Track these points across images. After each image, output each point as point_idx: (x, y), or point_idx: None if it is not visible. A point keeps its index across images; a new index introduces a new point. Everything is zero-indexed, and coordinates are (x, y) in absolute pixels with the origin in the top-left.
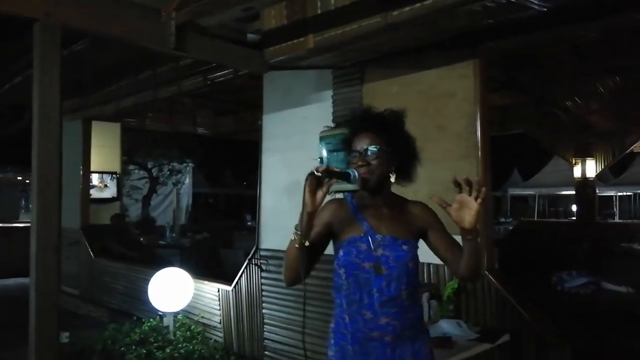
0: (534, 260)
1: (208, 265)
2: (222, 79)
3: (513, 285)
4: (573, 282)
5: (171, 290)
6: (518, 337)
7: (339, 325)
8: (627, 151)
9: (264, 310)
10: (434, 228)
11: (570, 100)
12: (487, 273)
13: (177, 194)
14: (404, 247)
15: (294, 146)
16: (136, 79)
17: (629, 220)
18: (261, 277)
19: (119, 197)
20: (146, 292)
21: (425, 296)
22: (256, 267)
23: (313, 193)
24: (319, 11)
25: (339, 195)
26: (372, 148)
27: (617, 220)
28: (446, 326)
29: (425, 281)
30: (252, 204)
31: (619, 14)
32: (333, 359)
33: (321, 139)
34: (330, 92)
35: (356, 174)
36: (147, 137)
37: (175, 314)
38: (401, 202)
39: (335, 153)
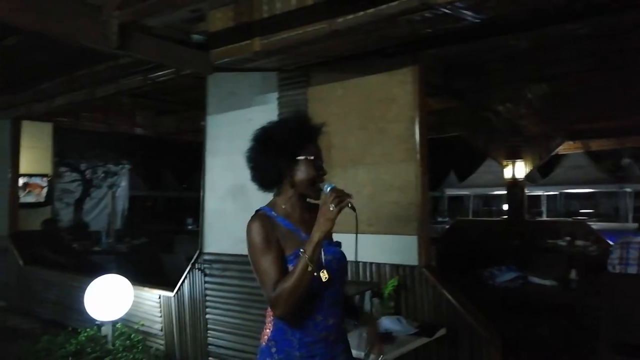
0: (468, 257)
1: (148, 271)
2: (163, 78)
3: (449, 281)
4: (503, 277)
5: (109, 298)
6: (454, 330)
7: (282, 333)
8: (553, 153)
9: (207, 316)
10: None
11: (501, 105)
12: (424, 270)
13: (113, 197)
14: (338, 248)
15: (238, 148)
16: (71, 77)
17: (555, 218)
18: (205, 282)
19: (49, 202)
20: (82, 301)
21: (367, 294)
22: (200, 271)
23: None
24: (265, 15)
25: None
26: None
27: (544, 218)
28: (387, 322)
29: (367, 280)
30: (193, 207)
31: (547, 26)
32: None
33: None
34: (275, 95)
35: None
36: (81, 137)
37: (114, 323)
38: (310, 205)
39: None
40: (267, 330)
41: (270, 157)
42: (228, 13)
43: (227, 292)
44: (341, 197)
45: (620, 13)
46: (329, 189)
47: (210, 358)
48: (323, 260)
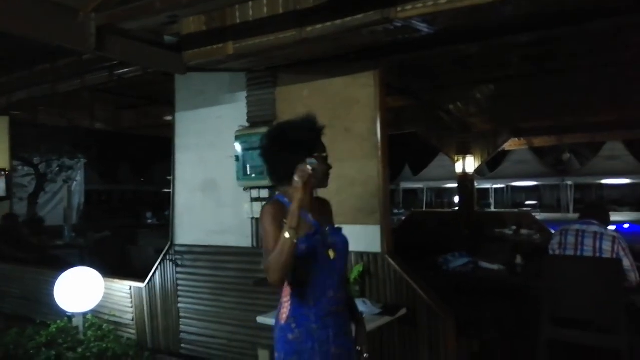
0: (423, 245)
1: (115, 264)
2: (130, 75)
3: (408, 267)
4: (456, 262)
5: (80, 289)
6: (413, 310)
7: (300, 309)
8: (500, 149)
9: (179, 305)
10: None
11: (453, 105)
12: (387, 257)
13: (69, 192)
14: (342, 232)
15: (208, 144)
16: (32, 72)
17: (502, 210)
18: (176, 273)
19: (8, 196)
20: (46, 295)
21: None
22: (171, 262)
23: (307, 187)
24: (238, 21)
25: (255, 192)
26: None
27: (492, 209)
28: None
29: None
30: (151, 201)
31: (493, 36)
32: (296, 341)
33: (237, 137)
34: (244, 94)
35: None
36: (34, 131)
37: (85, 314)
38: (315, 197)
39: (250, 151)
40: (285, 310)
41: (287, 155)
42: (201, 17)
43: (198, 281)
44: (303, 172)
45: (557, 26)
46: (310, 162)
47: (182, 344)
48: (328, 241)
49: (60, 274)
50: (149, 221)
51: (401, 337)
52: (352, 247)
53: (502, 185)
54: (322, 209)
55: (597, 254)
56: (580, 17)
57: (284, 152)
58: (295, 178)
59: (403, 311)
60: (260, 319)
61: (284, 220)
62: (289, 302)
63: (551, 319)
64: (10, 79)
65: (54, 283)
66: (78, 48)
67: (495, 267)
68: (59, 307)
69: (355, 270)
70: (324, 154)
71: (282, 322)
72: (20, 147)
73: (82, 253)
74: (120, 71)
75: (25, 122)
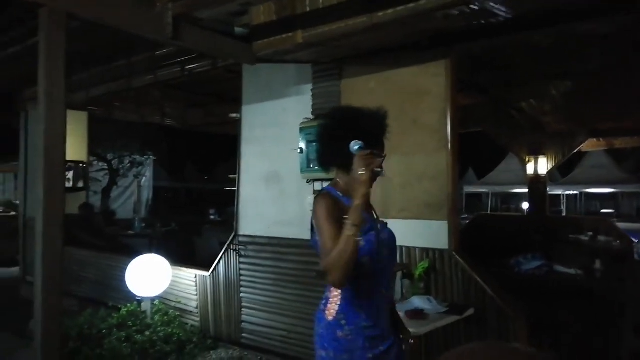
0: (490, 248)
1: (180, 254)
2: (200, 70)
3: (477, 266)
4: (529, 265)
5: (149, 275)
6: (482, 311)
7: (352, 306)
8: (576, 150)
9: (241, 294)
10: None
11: (525, 102)
12: (454, 254)
13: (138, 187)
14: (389, 229)
15: (273, 137)
16: (109, 67)
17: (576, 215)
18: (239, 263)
19: (85, 188)
20: (118, 280)
21: (398, 275)
22: (235, 252)
23: (373, 180)
24: (308, 9)
25: (318, 184)
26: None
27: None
28: (417, 302)
29: (398, 261)
30: (214, 199)
31: (570, 23)
32: (347, 339)
33: (301, 129)
34: (309, 86)
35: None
36: (109, 127)
37: (153, 300)
38: None
39: (313, 143)
40: (333, 305)
41: (346, 138)
42: (271, 7)
43: (261, 272)
44: (369, 160)
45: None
46: (356, 147)
47: (243, 334)
48: (381, 237)
49: (130, 261)
50: (212, 217)
51: (468, 338)
52: (418, 242)
53: (575, 192)
54: (367, 203)
55: None
56: None
57: (345, 134)
58: (360, 170)
59: (470, 311)
60: None
61: (345, 217)
62: (339, 298)
63: (635, 327)
64: (89, 75)
65: (125, 269)
66: (156, 37)
67: (572, 271)
68: (128, 292)
69: (420, 267)
70: (384, 155)
71: (330, 318)
72: (96, 143)
73: (150, 243)
74: (191, 66)
75: (101, 118)
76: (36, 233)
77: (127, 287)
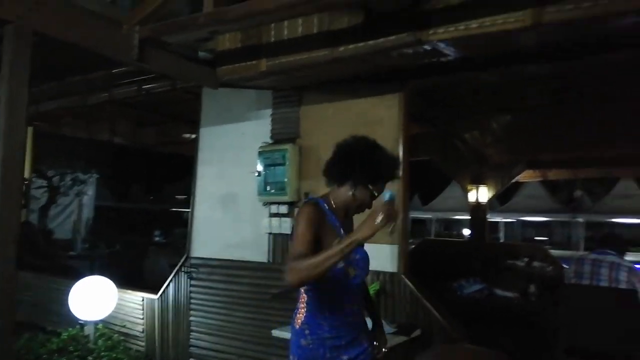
0: (435, 271)
1: (124, 276)
2: (159, 90)
3: (424, 288)
4: (470, 288)
5: (93, 298)
6: (428, 331)
7: (315, 318)
8: (513, 180)
9: (191, 318)
10: None
11: (469, 134)
12: (403, 277)
13: (79, 205)
14: (364, 250)
15: (230, 159)
16: (63, 83)
17: (514, 242)
18: (190, 285)
19: (25, 205)
20: (58, 303)
21: None
22: (186, 275)
23: (383, 227)
24: (273, 39)
25: (274, 207)
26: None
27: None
28: (368, 323)
29: None
30: (159, 220)
31: (513, 65)
32: (308, 348)
33: (260, 153)
34: (269, 111)
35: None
36: (53, 143)
37: (96, 324)
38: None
39: (271, 167)
40: (300, 315)
41: (353, 167)
42: (237, 35)
43: (212, 295)
44: (391, 216)
45: (579, 58)
46: (387, 196)
47: (191, 358)
48: (354, 258)
49: (72, 283)
50: (157, 239)
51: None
52: (370, 265)
53: (512, 220)
54: (350, 224)
55: (613, 284)
56: (604, 47)
57: (370, 164)
58: (379, 217)
59: (417, 332)
60: (276, 332)
61: (337, 241)
62: (305, 309)
63: (566, 349)
64: (41, 90)
65: (65, 292)
66: (121, 59)
67: (510, 294)
68: (69, 316)
69: (372, 289)
70: (376, 194)
71: (297, 326)
72: (38, 159)
73: (92, 264)
74: (149, 86)
75: (46, 133)
76: None
77: (68, 311)
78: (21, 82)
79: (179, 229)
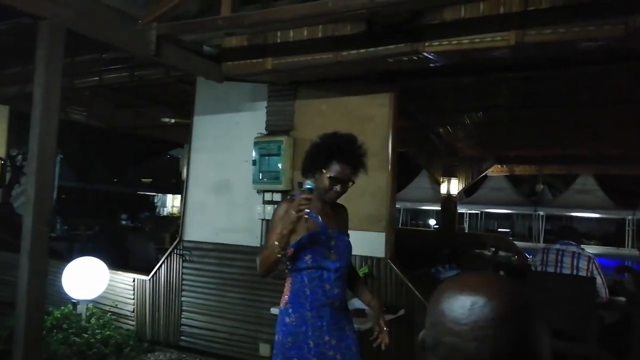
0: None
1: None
2: (154, 77)
3: (407, 273)
4: (447, 273)
5: (86, 278)
6: (411, 311)
7: (298, 297)
8: (483, 174)
9: (183, 298)
10: (345, 228)
11: (443, 128)
12: (389, 262)
13: None
14: (347, 238)
15: (224, 147)
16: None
17: (480, 232)
18: (182, 267)
19: (2, 184)
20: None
21: None
22: (179, 257)
23: (297, 223)
24: (279, 40)
25: (268, 195)
26: (350, 183)
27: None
28: (358, 303)
29: None
30: (124, 203)
31: (487, 72)
32: (292, 324)
33: (255, 143)
34: (264, 103)
35: (312, 187)
36: (24, 123)
37: (87, 303)
38: (334, 203)
39: (266, 157)
40: (286, 296)
41: (310, 157)
42: (243, 34)
43: (204, 276)
44: (302, 208)
45: (549, 69)
46: (305, 185)
47: (182, 337)
48: (330, 242)
49: (56, 264)
50: (123, 222)
51: (400, 333)
52: (358, 251)
53: (476, 211)
54: (336, 213)
55: (575, 272)
56: (564, 63)
57: (319, 150)
58: (292, 210)
59: (402, 311)
60: (274, 310)
61: (276, 241)
62: (289, 290)
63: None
64: (26, 69)
65: (50, 272)
66: (139, 53)
67: None
68: (54, 296)
69: (361, 272)
70: (331, 174)
71: (282, 306)
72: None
73: (72, 246)
74: (141, 72)
75: (20, 113)
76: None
77: (53, 290)
78: (55, 74)
79: (146, 213)
